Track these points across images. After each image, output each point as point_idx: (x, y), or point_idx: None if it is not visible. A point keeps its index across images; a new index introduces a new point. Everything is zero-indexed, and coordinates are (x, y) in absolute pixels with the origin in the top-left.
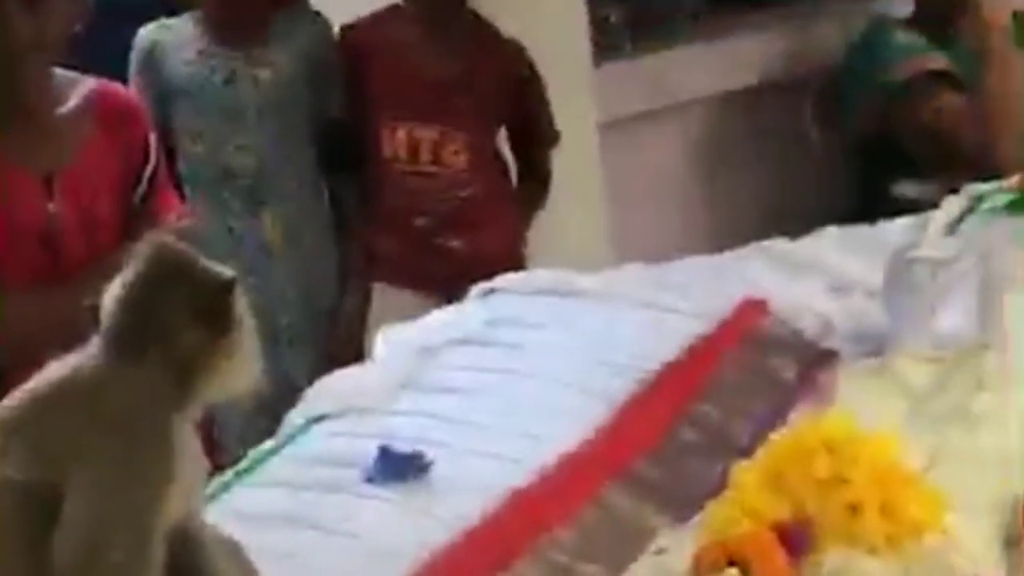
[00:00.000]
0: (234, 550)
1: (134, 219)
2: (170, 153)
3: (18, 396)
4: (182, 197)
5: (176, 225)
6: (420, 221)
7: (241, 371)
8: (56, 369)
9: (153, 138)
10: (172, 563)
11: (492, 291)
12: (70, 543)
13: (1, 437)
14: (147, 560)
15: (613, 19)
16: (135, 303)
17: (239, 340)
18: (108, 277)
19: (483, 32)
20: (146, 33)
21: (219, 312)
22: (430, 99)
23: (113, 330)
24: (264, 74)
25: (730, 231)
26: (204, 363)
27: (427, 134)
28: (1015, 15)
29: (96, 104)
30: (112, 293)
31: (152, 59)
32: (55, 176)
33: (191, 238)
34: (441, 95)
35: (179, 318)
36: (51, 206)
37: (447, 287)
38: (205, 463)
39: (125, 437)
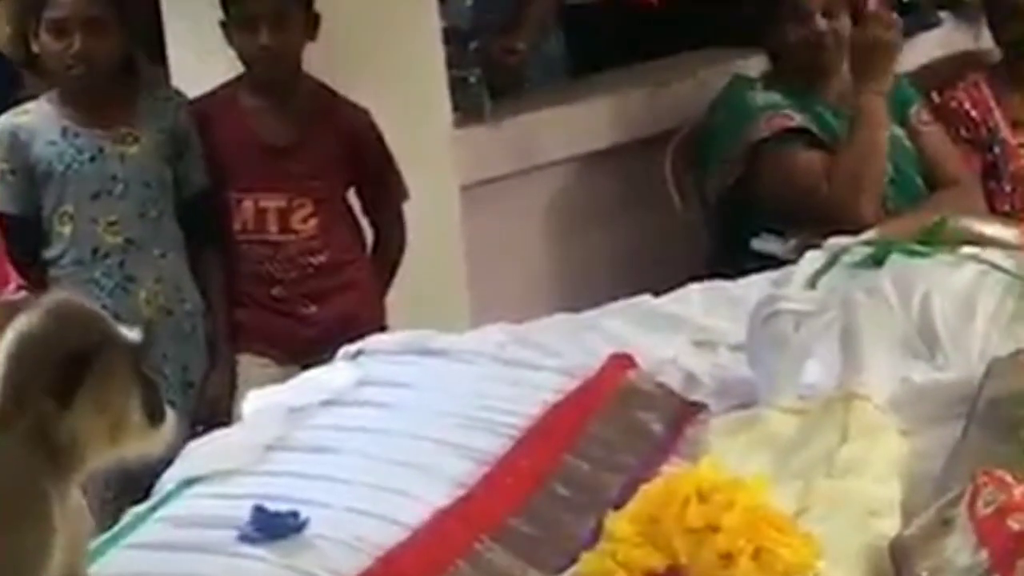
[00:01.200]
0: None
1: None
2: (42, 237)
3: None
4: (24, 275)
5: (10, 298)
6: (275, 291)
7: (119, 436)
8: None
9: None
10: None
11: (359, 352)
12: None
13: None
14: None
15: (472, 80)
16: (4, 371)
17: (96, 407)
18: None
19: (321, 96)
20: (5, 120)
21: (64, 383)
22: (271, 167)
23: None
24: (131, 150)
25: (591, 290)
26: (63, 432)
27: (273, 203)
28: None
29: None
30: None
31: (17, 143)
32: None
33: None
34: (282, 162)
35: (32, 387)
36: None
37: (310, 354)
38: (91, 523)
39: (3, 514)
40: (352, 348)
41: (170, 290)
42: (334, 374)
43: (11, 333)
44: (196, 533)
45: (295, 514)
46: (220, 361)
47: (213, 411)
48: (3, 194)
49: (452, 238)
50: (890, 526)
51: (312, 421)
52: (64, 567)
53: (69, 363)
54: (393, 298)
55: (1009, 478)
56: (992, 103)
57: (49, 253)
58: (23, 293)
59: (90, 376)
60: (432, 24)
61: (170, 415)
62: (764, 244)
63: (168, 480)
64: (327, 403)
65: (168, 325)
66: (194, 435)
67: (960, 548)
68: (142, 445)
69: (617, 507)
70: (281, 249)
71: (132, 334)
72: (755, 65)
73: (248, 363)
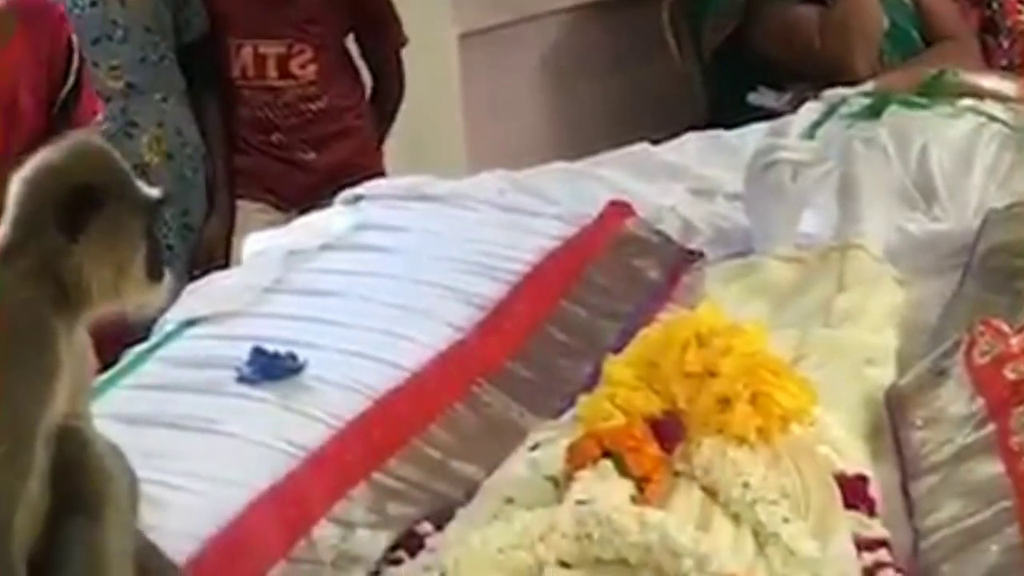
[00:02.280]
0: (115, 451)
1: (60, 117)
2: None
3: None
4: None
5: (101, 126)
6: (274, 137)
7: (120, 284)
8: None
9: (75, 38)
10: (59, 460)
11: (358, 197)
12: None
13: None
14: (28, 457)
15: None
16: (18, 198)
17: (100, 249)
18: None
19: None
20: None
21: (73, 214)
22: (271, 13)
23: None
24: None
25: (589, 139)
26: (68, 269)
27: (272, 49)
28: None
29: (18, 3)
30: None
31: None
32: None
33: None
34: (281, 8)
35: (41, 216)
36: None
37: (308, 200)
38: (94, 363)
39: (8, 345)
40: (351, 193)
41: (171, 134)
42: (333, 218)
43: (30, 163)
44: (195, 374)
45: (293, 356)
46: (219, 205)
47: (211, 255)
48: None
49: (450, 86)
50: (886, 375)
51: (311, 265)
52: (67, 404)
53: (80, 196)
54: (391, 145)
55: (1006, 328)
56: None
57: None
58: (105, 124)
59: (100, 216)
60: None
61: (168, 276)
62: (761, 98)
63: (167, 321)
64: (326, 247)
65: (169, 169)
66: (192, 278)
67: (956, 397)
68: (141, 299)
69: (614, 352)
70: (280, 95)
71: (151, 191)
72: None
73: (247, 208)
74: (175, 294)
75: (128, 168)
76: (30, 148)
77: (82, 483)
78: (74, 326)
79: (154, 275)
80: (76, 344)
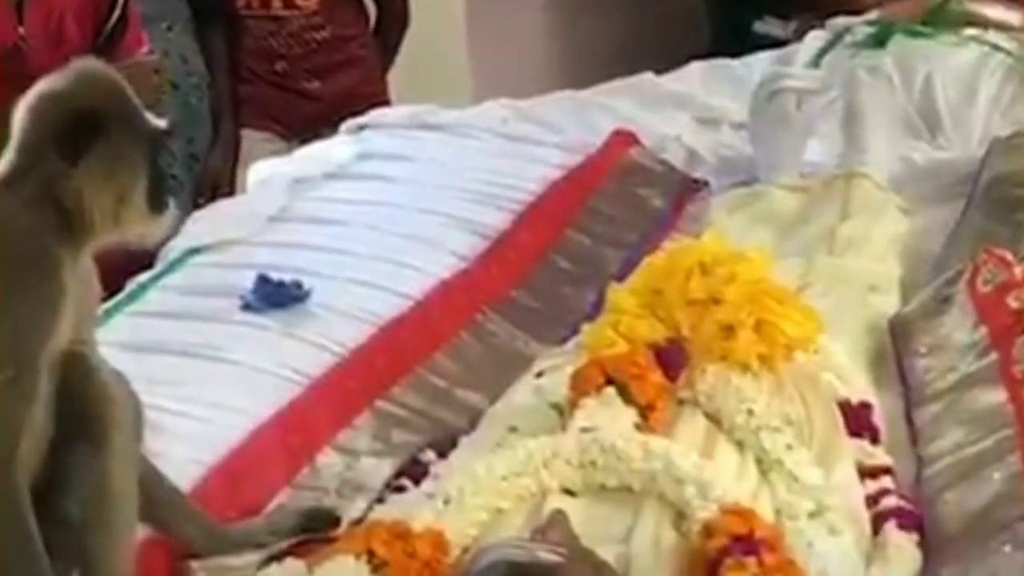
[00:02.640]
0: (119, 378)
1: (105, 47)
2: None
3: None
4: None
5: (146, 58)
6: (279, 66)
7: (121, 213)
8: None
9: None
10: (63, 387)
11: (362, 126)
12: None
13: None
14: (32, 383)
15: None
16: (22, 124)
17: (101, 176)
18: None
19: None
20: None
21: (73, 138)
22: None
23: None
24: None
25: (592, 69)
26: (68, 193)
27: None
28: None
29: None
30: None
31: None
32: (26, 1)
33: (158, 70)
34: None
35: (44, 141)
36: (21, 29)
37: (312, 130)
38: (99, 291)
39: (11, 270)
40: (355, 122)
41: (176, 63)
42: (337, 147)
43: (34, 89)
44: (199, 301)
45: (298, 284)
46: (224, 135)
47: (216, 184)
48: None
49: (455, 15)
50: (890, 303)
51: (315, 193)
52: (72, 331)
53: (81, 121)
54: (396, 74)
55: (1009, 256)
56: None
57: None
58: (155, 55)
59: (102, 141)
60: None
61: (171, 208)
62: (766, 26)
63: (172, 249)
64: (330, 176)
65: (174, 98)
66: (197, 207)
67: (959, 325)
68: (142, 229)
69: (618, 281)
70: (285, 24)
71: (156, 121)
72: None
73: (251, 137)
74: (179, 223)
75: (131, 94)
76: None
77: (86, 410)
78: (78, 254)
79: (156, 206)
80: (80, 271)
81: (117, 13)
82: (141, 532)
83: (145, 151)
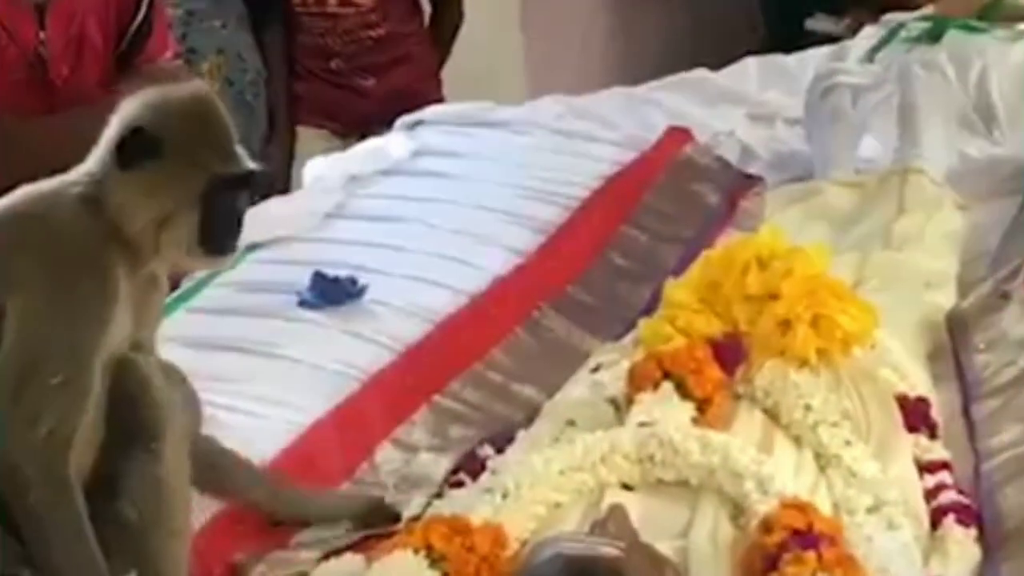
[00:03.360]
0: (178, 379)
1: (128, 50)
2: None
3: None
4: None
5: (169, 64)
6: (334, 63)
7: (163, 237)
8: (23, 194)
9: None
10: (116, 392)
11: (417, 123)
12: (8, 365)
13: None
14: (84, 387)
15: None
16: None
17: (144, 192)
18: (102, 112)
19: None
20: None
21: (127, 148)
22: None
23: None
24: None
25: (645, 66)
26: (108, 192)
27: None
28: None
29: None
30: None
31: None
32: (47, 5)
33: (183, 77)
34: None
35: (107, 154)
36: (42, 34)
37: (367, 127)
38: (164, 292)
39: (65, 270)
40: (410, 118)
41: (232, 60)
42: (393, 144)
43: (139, 94)
44: (256, 298)
45: (354, 280)
46: (279, 131)
47: (271, 180)
48: None
49: (509, 11)
50: (946, 298)
51: (371, 190)
52: (127, 337)
53: (136, 137)
54: (450, 71)
55: None
56: None
57: None
58: (179, 61)
59: (156, 162)
60: None
61: (226, 254)
62: (818, 23)
63: None
64: (386, 172)
65: (229, 95)
66: (252, 204)
67: (1017, 320)
68: (183, 261)
69: (674, 276)
70: (340, 21)
71: (244, 164)
72: None
73: (306, 135)
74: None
75: (226, 133)
76: (99, 81)
77: (139, 414)
78: (134, 262)
79: (210, 246)
80: (140, 278)
81: (140, 18)
82: (207, 510)
83: (210, 189)
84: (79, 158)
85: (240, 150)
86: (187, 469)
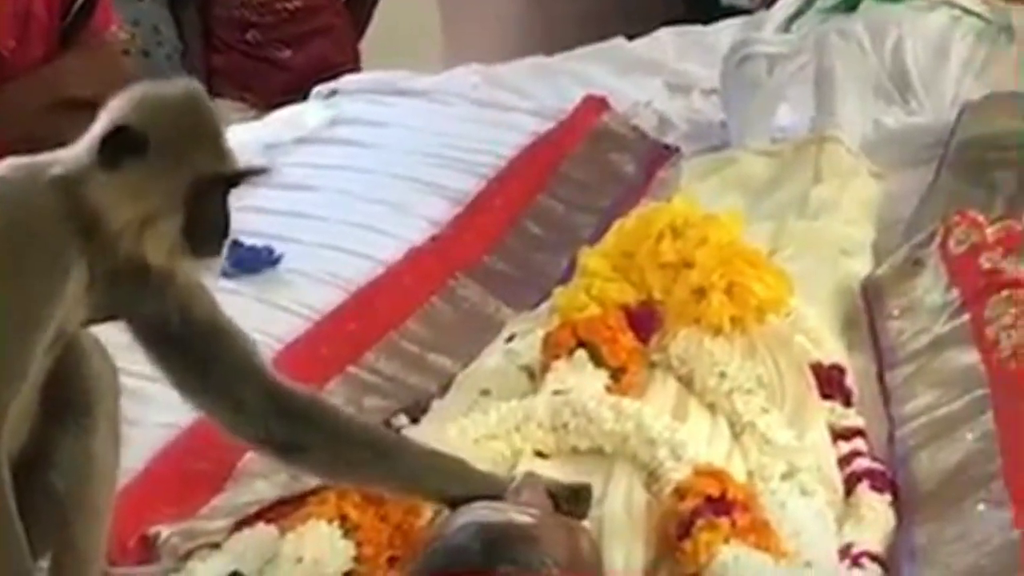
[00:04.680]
0: (101, 351)
1: (73, 25)
2: None
3: None
4: None
5: (114, 38)
6: (250, 35)
7: (146, 234)
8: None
9: None
10: (56, 367)
11: (333, 92)
12: None
13: None
14: (16, 371)
15: None
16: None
17: (128, 191)
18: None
19: None
20: None
21: (112, 147)
22: None
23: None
24: None
25: (563, 36)
26: (90, 190)
27: None
28: None
29: None
30: None
31: None
32: None
33: (130, 49)
34: None
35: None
36: None
37: (284, 99)
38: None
39: (17, 251)
40: (326, 88)
41: (148, 33)
42: (308, 112)
43: (131, 89)
44: None
45: (270, 249)
46: None
47: None
48: None
49: None
50: (862, 265)
51: (287, 159)
52: (75, 321)
53: (122, 135)
54: (368, 42)
55: (981, 218)
56: None
57: None
58: (123, 35)
59: (142, 161)
60: None
61: (212, 257)
62: None
63: None
64: (302, 141)
65: (145, 68)
66: None
67: (931, 287)
68: (167, 261)
69: (590, 246)
70: None
71: (233, 163)
72: None
73: (224, 107)
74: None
75: (216, 132)
76: (44, 54)
77: (76, 389)
78: (96, 256)
79: (195, 247)
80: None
81: None
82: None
83: (197, 189)
84: (25, 128)
85: (230, 149)
86: (117, 445)
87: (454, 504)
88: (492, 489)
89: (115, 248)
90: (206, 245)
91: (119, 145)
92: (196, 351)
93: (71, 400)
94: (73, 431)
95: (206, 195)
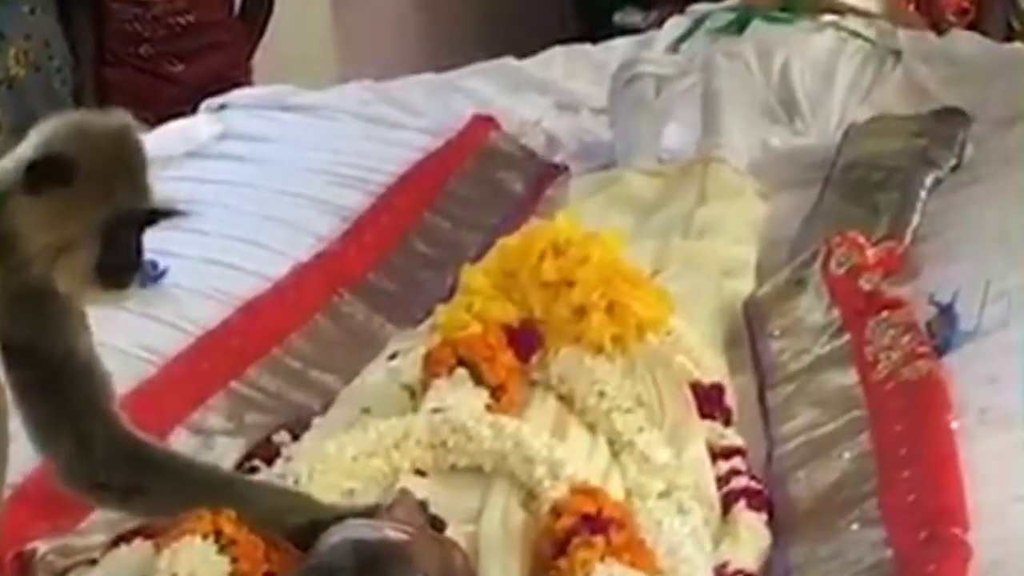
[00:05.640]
0: None
1: None
2: None
3: None
4: None
5: None
6: (143, 49)
7: (61, 262)
8: None
9: None
10: None
11: (223, 106)
12: None
13: None
14: None
15: None
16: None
17: (48, 218)
18: None
19: None
20: None
21: (37, 173)
22: None
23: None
24: None
25: (456, 53)
26: (10, 211)
27: None
28: None
29: None
30: None
31: None
32: None
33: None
34: None
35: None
36: None
37: (176, 114)
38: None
39: None
40: (215, 101)
41: (39, 46)
42: (197, 126)
43: (69, 114)
44: None
45: (154, 263)
46: None
47: None
48: None
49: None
50: (745, 286)
51: (174, 172)
52: None
53: (56, 161)
54: (261, 58)
55: (862, 240)
56: None
57: None
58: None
59: (65, 189)
60: None
61: (123, 291)
62: (627, 16)
63: None
64: (190, 155)
65: (36, 81)
66: None
67: (813, 307)
68: (77, 290)
69: (475, 264)
70: (149, 8)
71: (151, 200)
72: None
73: None
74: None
75: (141, 167)
76: None
77: None
78: (7, 272)
79: (106, 279)
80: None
81: None
82: None
83: (116, 223)
84: None
85: (150, 185)
86: (3, 465)
87: (294, 535)
88: (335, 517)
89: (26, 271)
90: (116, 278)
91: (47, 172)
92: (62, 386)
93: None
94: None
95: (122, 229)
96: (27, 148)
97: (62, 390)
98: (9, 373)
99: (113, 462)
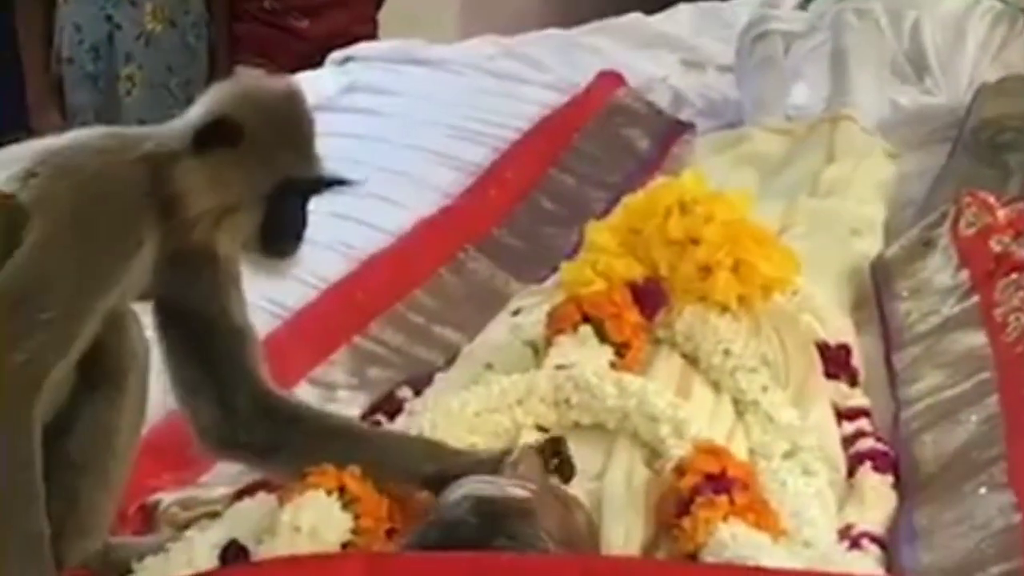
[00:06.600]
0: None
1: None
2: None
3: (68, 137)
4: None
5: None
6: (268, 4)
7: (224, 223)
8: (104, 132)
9: None
10: (97, 338)
11: (348, 59)
12: (11, 280)
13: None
14: (71, 332)
15: None
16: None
17: (212, 179)
18: None
19: None
20: None
21: (205, 134)
22: None
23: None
24: None
25: (581, 9)
26: (176, 170)
27: None
28: None
29: None
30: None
31: None
32: None
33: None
34: None
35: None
36: None
37: (301, 68)
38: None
39: (95, 215)
40: (340, 54)
41: (175, 2)
42: (323, 79)
43: (238, 78)
44: None
45: None
46: (219, 72)
47: None
48: None
49: None
50: (872, 246)
51: None
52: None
53: (224, 124)
54: (386, 14)
55: (992, 200)
56: None
57: None
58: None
59: (231, 151)
60: None
61: (282, 260)
62: None
63: None
64: (316, 108)
65: (172, 36)
66: None
67: (941, 268)
68: (235, 251)
69: (599, 221)
70: None
71: (318, 169)
72: None
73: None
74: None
75: (309, 135)
76: None
77: (112, 363)
78: (168, 235)
79: (267, 245)
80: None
81: None
82: None
83: (282, 189)
84: None
85: (317, 154)
86: (140, 421)
87: (428, 483)
88: (465, 466)
89: (189, 232)
90: (279, 245)
91: (215, 133)
92: (212, 348)
93: (104, 372)
94: (100, 402)
95: (289, 196)
96: (196, 111)
97: (212, 352)
98: (161, 331)
99: (255, 423)
